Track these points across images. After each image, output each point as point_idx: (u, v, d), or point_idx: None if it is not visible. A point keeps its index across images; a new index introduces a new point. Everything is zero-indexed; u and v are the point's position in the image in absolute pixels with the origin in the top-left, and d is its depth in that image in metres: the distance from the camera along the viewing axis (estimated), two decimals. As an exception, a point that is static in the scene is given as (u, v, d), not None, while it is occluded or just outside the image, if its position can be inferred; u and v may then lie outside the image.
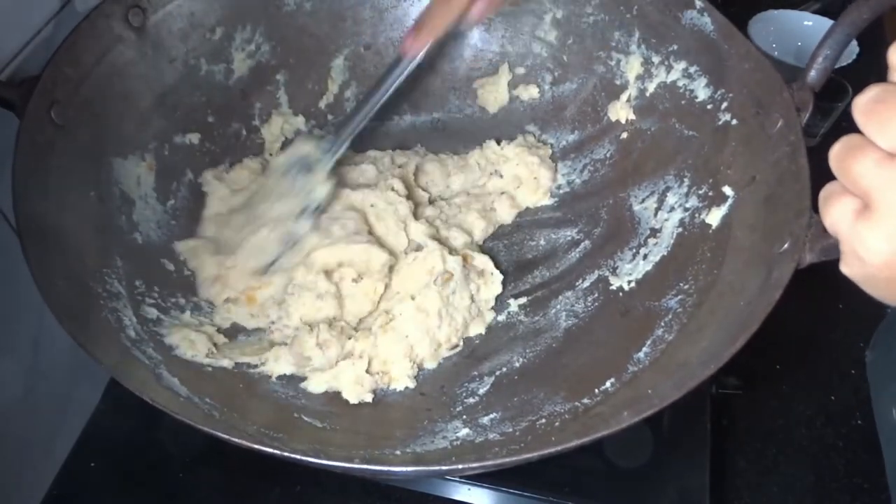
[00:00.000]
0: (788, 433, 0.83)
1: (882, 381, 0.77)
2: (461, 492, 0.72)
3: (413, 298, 0.69)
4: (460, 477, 0.71)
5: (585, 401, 0.61)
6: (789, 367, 0.87)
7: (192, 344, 0.64)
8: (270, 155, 0.84)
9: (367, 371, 0.66)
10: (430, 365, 0.70)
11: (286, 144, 0.85)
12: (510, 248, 0.80)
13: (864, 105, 0.33)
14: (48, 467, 0.73)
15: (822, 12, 1.20)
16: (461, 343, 0.71)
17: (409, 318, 0.68)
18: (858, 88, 0.34)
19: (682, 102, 0.74)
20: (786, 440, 0.82)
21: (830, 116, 1.01)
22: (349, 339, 0.67)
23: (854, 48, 1.09)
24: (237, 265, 0.70)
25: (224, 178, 0.78)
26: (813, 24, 1.19)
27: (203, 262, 0.71)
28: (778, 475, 0.80)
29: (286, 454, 0.46)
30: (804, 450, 0.82)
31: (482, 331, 0.72)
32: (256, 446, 0.46)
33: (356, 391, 0.65)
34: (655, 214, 0.74)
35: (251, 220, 0.72)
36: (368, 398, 0.65)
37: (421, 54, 0.66)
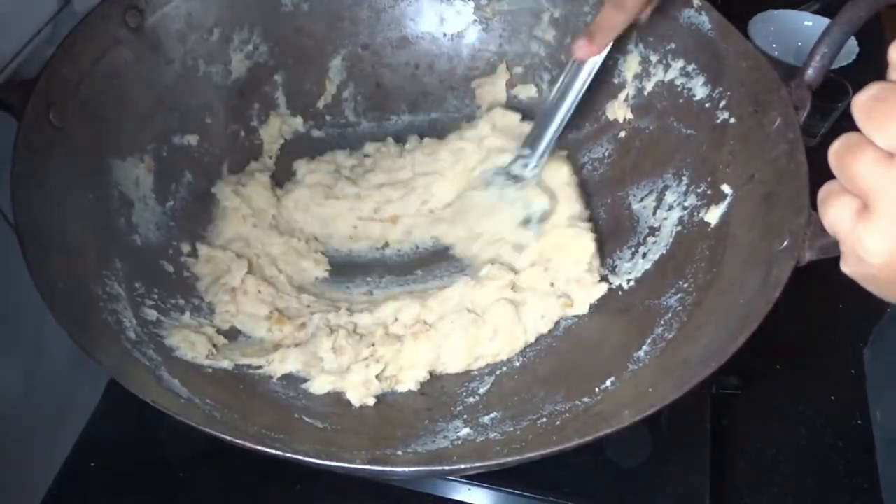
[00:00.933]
0: (788, 433, 0.82)
1: (877, 378, 0.78)
2: (461, 492, 0.72)
3: (470, 311, 0.69)
4: (460, 477, 0.71)
5: (586, 399, 0.61)
6: (789, 367, 0.87)
7: (192, 345, 0.64)
8: (270, 157, 0.84)
9: (377, 376, 0.66)
10: (450, 371, 0.69)
11: (285, 145, 0.85)
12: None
13: (864, 103, 0.33)
14: (48, 467, 0.73)
15: (822, 12, 1.20)
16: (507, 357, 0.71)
17: (460, 328, 0.68)
18: (858, 88, 0.34)
19: (680, 101, 0.74)
20: (786, 440, 0.82)
21: (830, 117, 1.01)
22: (371, 345, 0.67)
23: (854, 48, 1.09)
24: None
25: (241, 192, 0.77)
26: (813, 24, 1.19)
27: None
28: (778, 475, 0.80)
29: (289, 455, 0.46)
30: (804, 450, 0.82)
31: (532, 339, 0.71)
32: (260, 447, 0.46)
33: (361, 394, 0.65)
34: (654, 213, 0.74)
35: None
36: (371, 402, 0.65)
37: (604, 54, 0.67)
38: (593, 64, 0.68)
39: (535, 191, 0.74)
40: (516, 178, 0.74)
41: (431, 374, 0.68)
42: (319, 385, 0.65)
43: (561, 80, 0.71)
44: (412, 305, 0.69)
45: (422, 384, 0.68)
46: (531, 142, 0.74)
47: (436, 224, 0.79)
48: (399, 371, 0.67)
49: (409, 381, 0.67)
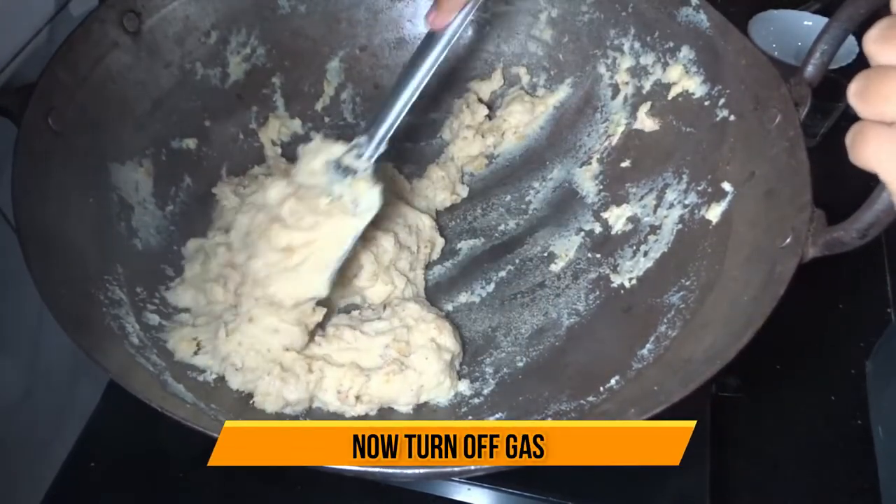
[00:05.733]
0: (788, 433, 0.82)
1: (879, 394, 0.77)
2: (461, 492, 0.72)
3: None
4: (461, 477, 0.71)
5: (591, 398, 0.61)
6: (789, 368, 0.87)
7: (193, 349, 0.64)
8: (271, 160, 0.83)
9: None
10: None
11: (284, 147, 0.85)
12: (511, 247, 0.81)
13: (877, 34, 0.33)
14: (48, 467, 0.73)
15: (822, 12, 1.21)
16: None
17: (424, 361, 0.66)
18: (858, 88, 0.34)
19: (679, 99, 0.74)
20: (786, 440, 0.82)
21: (831, 116, 1.01)
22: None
23: (854, 48, 1.09)
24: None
25: (241, 193, 0.76)
26: (813, 24, 1.19)
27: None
28: (778, 475, 0.80)
29: (297, 459, 0.46)
30: (804, 450, 0.82)
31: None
32: (267, 451, 0.46)
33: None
34: (655, 211, 0.74)
35: (272, 237, 0.62)
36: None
37: (455, 25, 0.57)
38: (447, 38, 0.58)
39: (363, 184, 0.62)
40: (346, 171, 0.62)
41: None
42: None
43: (412, 58, 0.60)
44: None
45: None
46: (368, 127, 0.62)
47: None
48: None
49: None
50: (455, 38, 0.58)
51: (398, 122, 0.60)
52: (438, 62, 0.59)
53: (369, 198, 0.61)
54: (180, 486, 0.72)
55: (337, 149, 0.62)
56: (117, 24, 0.68)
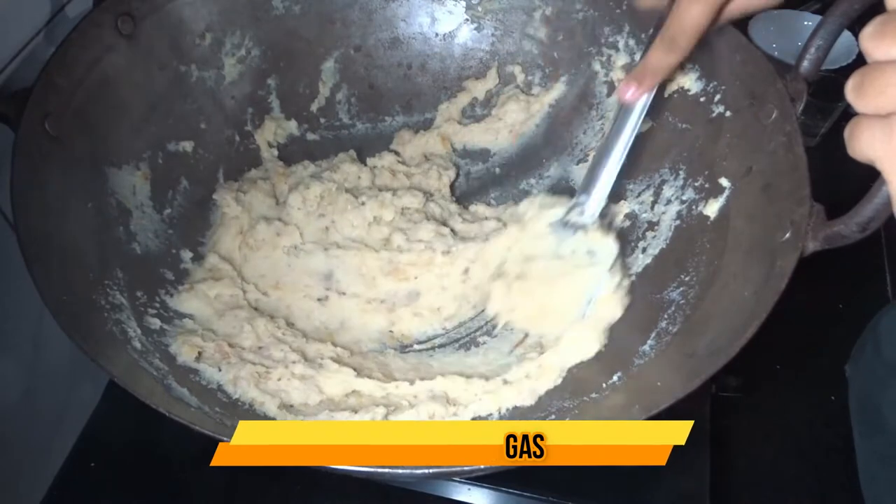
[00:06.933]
0: (788, 433, 0.83)
1: (855, 396, 0.78)
2: (461, 492, 0.72)
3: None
4: (461, 477, 0.71)
5: (593, 395, 0.61)
6: (789, 368, 0.87)
7: (195, 353, 0.64)
8: (269, 163, 0.83)
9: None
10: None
11: (280, 149, 0.85)
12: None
13: (872, 31, 0.33)
14: (48, 467, 0.73)
15: (821, 12, 1.20)
16: None
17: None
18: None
19: (675, 96, 0.75)
20: (786, 440, 0.82)
21: (831, 116, 1.02)
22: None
23: (853, 48, 1.10)
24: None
25: (242, 199, 0.76)
26: (813, 25, 1.19)
27: None
28: (778, 475, 0.80)
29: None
30: (804, 450, 0.82)
31: None
32: (275, 454, 0.46)
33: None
34: (652, 208, 0.74)
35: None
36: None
37: (653, 92, 0.62)
38: (643, 104, 0.63)
39: (597, 234, 0.66)
40: (574, 227, 0.67)
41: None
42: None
43: (613, 122, 0.65)
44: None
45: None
46: (585, 186, 0.66)
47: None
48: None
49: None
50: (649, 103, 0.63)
51: (613, 180, 0.65)
52: (638, 128, 0.63)
53: (606, 246, 0.66)
54: (180, 486, 0.72)
55: (559, 211, 0.67)
56: (112, 28, 0.67)
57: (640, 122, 0.63)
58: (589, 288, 0.66)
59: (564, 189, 0.83)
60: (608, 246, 0.66)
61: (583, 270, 0.66)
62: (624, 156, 0.64)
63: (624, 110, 0.63)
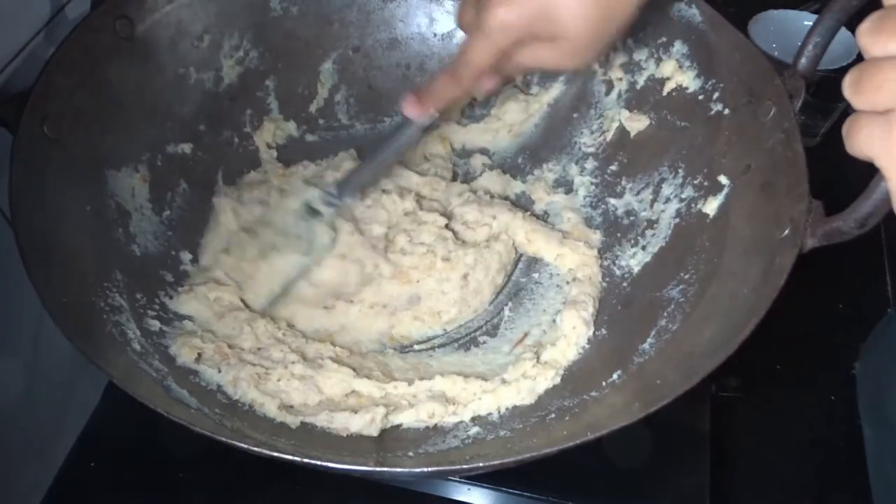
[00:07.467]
0: (789, 433, 0.82)
1: (866, 395, 0.78)
2: (461, 492, 0.72)
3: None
4: (461, 477, 0.71)
5: (594, 393, 0.61)
6: (789, 368, 0.87)
7: (194, 354, 0.64)
8: (266, 160, 0.83)
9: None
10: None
11: (279, 150, 0.85)
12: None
13: (869, 27, 0.33)
14: (48, 467, 0.73)
15: (821, 12, 1.21)
16: None
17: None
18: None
19: (673, 94, 0.75)
20: (786, 440, 0.82)
21: (831, 117, 1.01)
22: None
23: (853, 47, 1.10)
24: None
25: (239, 210, 0.76)
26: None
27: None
28: (778, 475, 0.80)
29: (305, 461, 0.46)
30: (804, 450, 0.82)
31: None
32: (276, 454, 0.46)
33: (366, 430, 0.63)
34: (651, 206, 0.74)
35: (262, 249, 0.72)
36: (375, 432, 0.63)
37: (425, 120, 0.64)
38: (422, 123, 0.65)
39: (321, 227, 0.72)
40: (313, 214, 0.72)
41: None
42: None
43: (395, 128, 0.69)
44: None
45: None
46: (344, 181, 0.74)
47: None
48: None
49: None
50: (423, 130, 0.66)
51: (369, 180, 0.73)
52: (406, 145, 0.68)
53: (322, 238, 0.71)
54: (180, 486, 0.72)
55: (312, 193, 0.73)
56: (110, 31, 0.67)
57: (418, 136, 0.67)
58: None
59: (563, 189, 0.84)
60: (324, 239, 0.71)
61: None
62: (389, 160, 0.71)
63: (405, 122, 0.65)
